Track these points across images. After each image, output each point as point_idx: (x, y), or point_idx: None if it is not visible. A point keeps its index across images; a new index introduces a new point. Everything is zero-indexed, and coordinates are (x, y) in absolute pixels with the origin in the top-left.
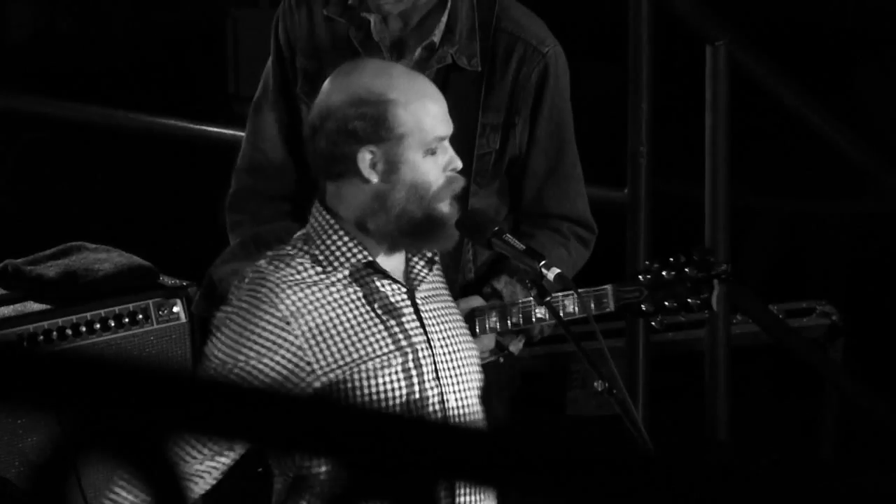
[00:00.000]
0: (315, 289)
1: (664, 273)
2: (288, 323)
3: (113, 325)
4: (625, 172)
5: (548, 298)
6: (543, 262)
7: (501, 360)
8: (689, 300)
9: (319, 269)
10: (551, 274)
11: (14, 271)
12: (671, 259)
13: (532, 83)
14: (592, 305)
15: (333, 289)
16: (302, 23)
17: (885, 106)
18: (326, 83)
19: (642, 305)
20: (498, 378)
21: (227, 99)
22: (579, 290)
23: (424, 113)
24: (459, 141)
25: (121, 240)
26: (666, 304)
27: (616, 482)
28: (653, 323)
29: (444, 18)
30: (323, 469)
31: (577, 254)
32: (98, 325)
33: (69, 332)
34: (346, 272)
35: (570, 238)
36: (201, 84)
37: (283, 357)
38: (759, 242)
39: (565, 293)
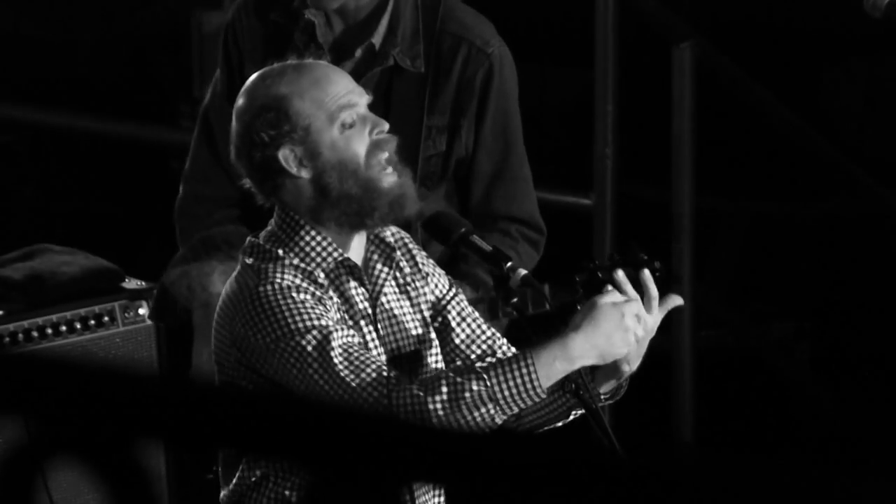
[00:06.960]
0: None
1: (599, 273)
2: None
3: (79, 327)
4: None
5: (514, 300)
6: (510, 265)
7: None
8: None
9: (301, 276)
10: (517, 276)
11: None
12: (608, 257)
13: (477, 84)
14: (530, 307)
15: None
16: (251, 29)
17: (850, 112)
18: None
19: (578, 305)
20: None
21: (192, 102)
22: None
23: (322, 93)
24: (405, 144)
25: (86, 243)
26: None
27: (584, 484)
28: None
29: (386, 20)
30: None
31: (526, 256)
32: (64, 328)
33: (35, 334)
34: (322, 274)
35: (519, 240)
36: (166, 87)
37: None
38: (726, 245)
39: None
